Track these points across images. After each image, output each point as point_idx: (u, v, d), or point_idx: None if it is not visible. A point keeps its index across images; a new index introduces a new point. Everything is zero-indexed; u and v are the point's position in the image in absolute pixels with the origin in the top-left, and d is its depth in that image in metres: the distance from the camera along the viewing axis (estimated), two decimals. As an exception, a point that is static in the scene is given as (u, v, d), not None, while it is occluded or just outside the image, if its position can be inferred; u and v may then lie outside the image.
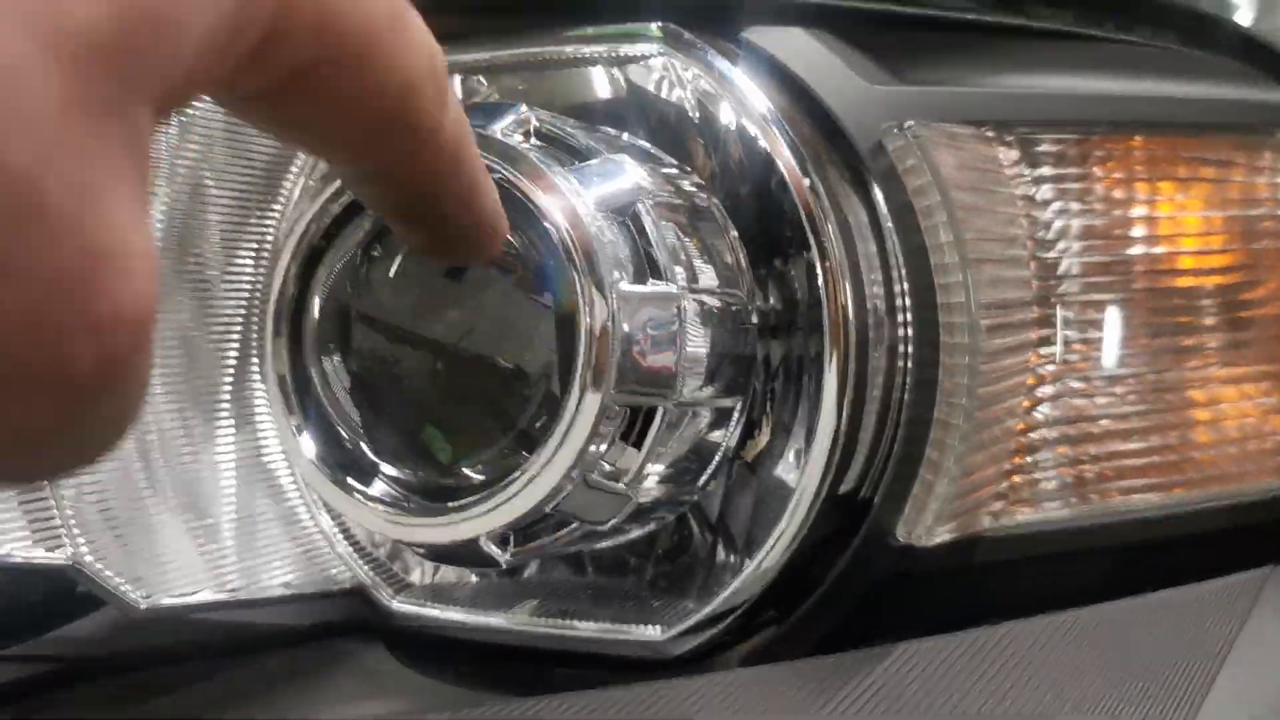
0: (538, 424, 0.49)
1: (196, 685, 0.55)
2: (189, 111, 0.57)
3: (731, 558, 0.56)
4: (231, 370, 0.59)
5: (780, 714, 0.46)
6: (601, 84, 0.57)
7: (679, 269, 0.50)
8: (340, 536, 0.58)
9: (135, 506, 0.55)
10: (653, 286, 0.49)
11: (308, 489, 0.58)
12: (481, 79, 0.58)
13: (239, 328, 0.59)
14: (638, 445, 0.50)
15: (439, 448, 0.49)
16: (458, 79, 0.58)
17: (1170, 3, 0.67)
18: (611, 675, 0.53)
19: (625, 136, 0.56)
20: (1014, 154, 0.55)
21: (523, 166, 0.48)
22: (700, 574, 0.56)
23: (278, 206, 0.59)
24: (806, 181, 0.51)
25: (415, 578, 0.59)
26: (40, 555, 0.49)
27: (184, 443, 0.58)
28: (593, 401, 0.47)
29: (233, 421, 0.58)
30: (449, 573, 0.60)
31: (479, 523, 0.49)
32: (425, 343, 0.49)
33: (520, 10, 0.57)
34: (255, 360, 0.59)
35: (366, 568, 0.58)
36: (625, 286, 0.48)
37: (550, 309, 0.48)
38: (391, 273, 0.50)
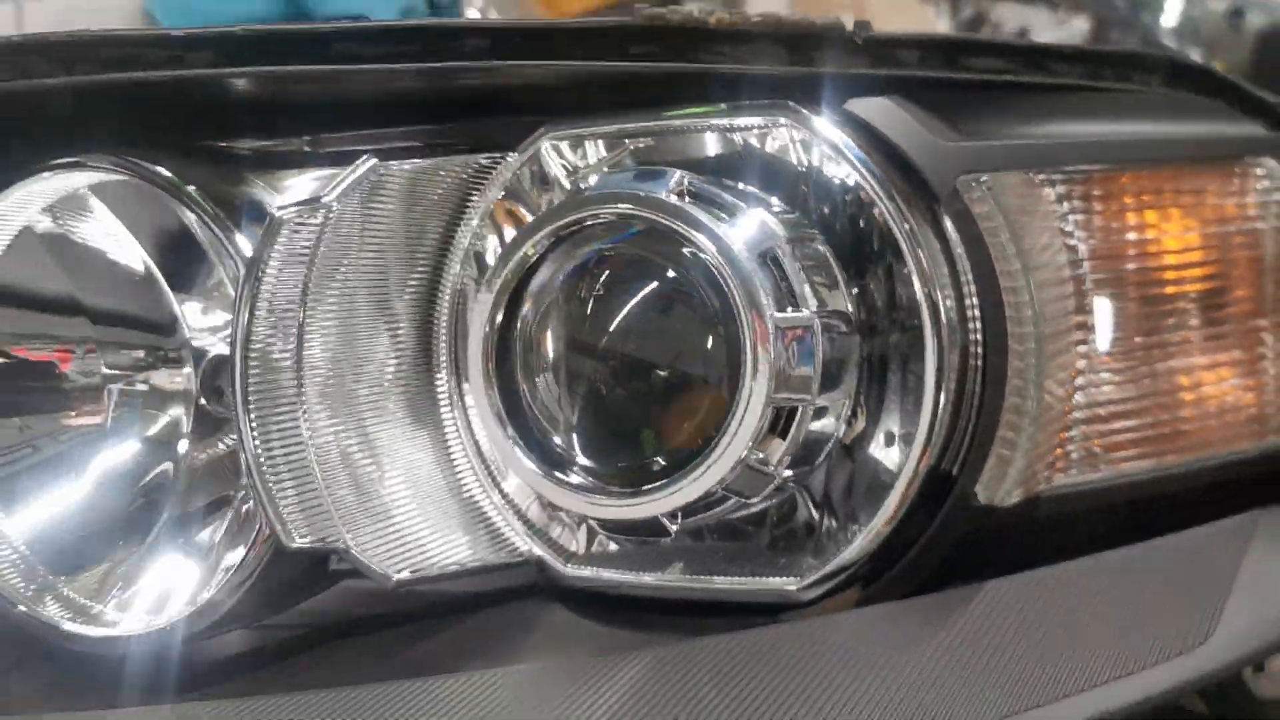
0: (712, 422, 0.62)
1: (415, 645, 0.68)
2: (383, 171, 0.68)
3: (834, 523, 0.70)
4: (404, 390, 0.71)
5: (905, 645, 0.60)
6: (718, 144, 0.70)
7: (810, 296, 0.64)
8: (516, 518, 0.71)
9: (357, 503, 0.67)
10: (793, 313, 0.63)
11: (486, 476, 0.70)
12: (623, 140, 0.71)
13: (411, 355, 0.71)
14: (783, 436, 0.64)
15: (648, 442, 0.63)
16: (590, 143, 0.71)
17: (1153, 53, 0.82)
18: (748, 621, 0.67)
19: (741, 185, 0.70)
20: (1051, 193, 0.70)
21: (692, 223, 0.62)
22: (812, 537, 0.70)
23: (459, 251, 0.71)
24: (907, 225, 0.64)
25: (574, 547, 0.72)
26: (321, 543, 0.61)
27: (367, 457, 0.69)
28: (757, 404, 0.61)
29: (424, 432, 0.70)
30: (599, 542, 0.73)
31: (667, 501, 0.62)
32: (621, 359, 0.63)
33: (650, 87, 0.69)
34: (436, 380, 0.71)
35: (541, 542, 0.71)
36: (776, 314, 0.61)
37: (720, 334, 0.61)
38: (590, 307, 0.63)
